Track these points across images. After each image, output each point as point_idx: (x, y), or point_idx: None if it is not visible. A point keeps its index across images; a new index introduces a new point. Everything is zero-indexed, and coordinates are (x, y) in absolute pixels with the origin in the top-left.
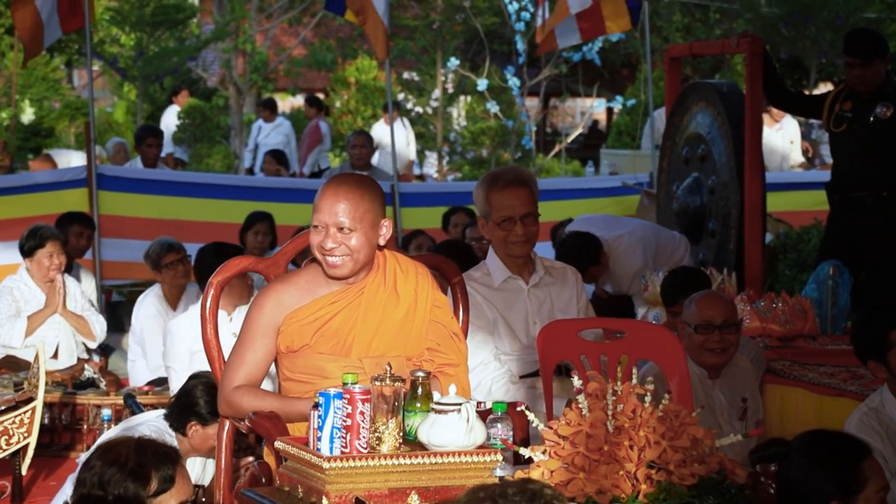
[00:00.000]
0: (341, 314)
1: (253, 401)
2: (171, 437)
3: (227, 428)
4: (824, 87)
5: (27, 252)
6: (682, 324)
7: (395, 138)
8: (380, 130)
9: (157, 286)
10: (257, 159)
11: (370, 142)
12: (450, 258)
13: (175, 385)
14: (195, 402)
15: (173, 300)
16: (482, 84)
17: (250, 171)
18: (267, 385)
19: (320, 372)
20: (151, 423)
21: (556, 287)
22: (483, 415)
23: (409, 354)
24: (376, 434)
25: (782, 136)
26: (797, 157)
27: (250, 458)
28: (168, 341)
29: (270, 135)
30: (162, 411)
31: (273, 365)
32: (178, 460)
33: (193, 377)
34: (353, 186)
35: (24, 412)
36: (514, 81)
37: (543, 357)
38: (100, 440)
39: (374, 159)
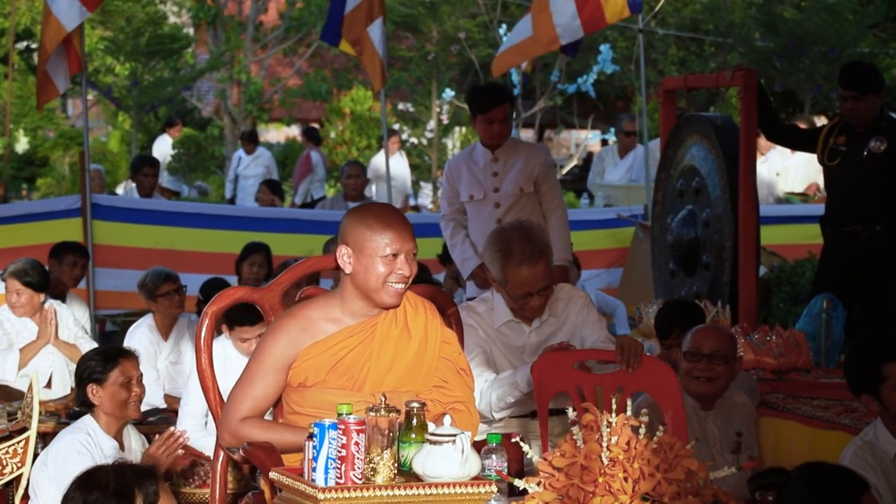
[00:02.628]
0: (356, 350)
1: (263, 433)
2: (93, 428)
3: (221, 459)
4: (818, 121)
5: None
6: (679, 354)
7: (398, 170)
8: (381, 161)
9: (150, 316)
10: (237, 191)
11: (363, 172)
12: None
13: (185, 401)
14: (86, 368)
15: (165, 330)
16: None
17: (231, 202)
18: None
19: (331, 407)
20: (72, 427)
21: (559, 324)
22: (478, 446)
23: (418, 390)
24: (371, 465)
25: (768, 168)
26: (782, 188)
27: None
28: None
29: (250, 166)
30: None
31: None
32: (158, 477)
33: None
34: (401, 213)
35: (18, 442)
36: None
37: (539, 388)
38: (39, 458)
39: (373, 190)
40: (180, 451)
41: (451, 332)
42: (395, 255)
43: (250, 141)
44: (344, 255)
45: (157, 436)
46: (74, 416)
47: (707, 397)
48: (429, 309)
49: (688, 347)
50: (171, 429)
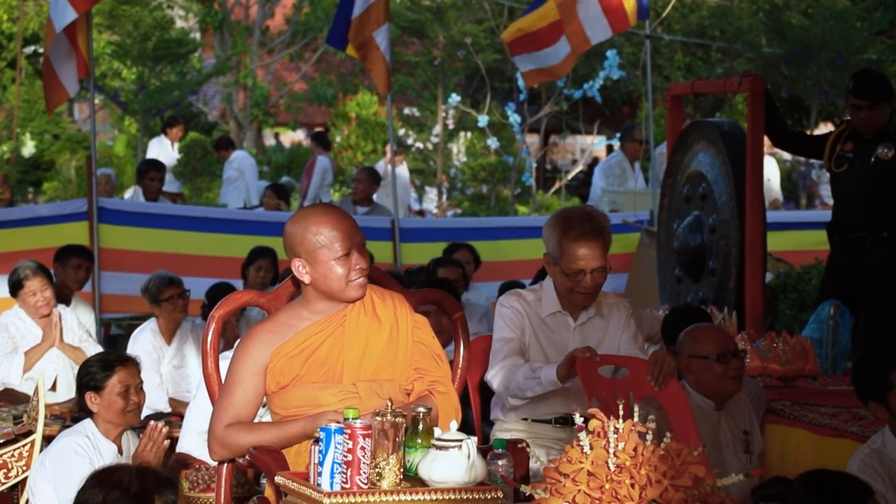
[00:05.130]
0: (327, 342)
1: (248, 435)
2: (92, 432)
3: (225, 464)
4: (825, 127)
5: (12, 291)
6: (691, 359)
7: (403, 178)
8: (382, 168)
9: (153, 321)
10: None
11: (371, 177)
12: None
13: (190, 415)
14: (85, 374)
15: (168, 335)
16: (483, 120)
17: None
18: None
19: (314, 401)
20: (72, 430)
21: (604, 328)
22: (484, 451)
23: (398, 377)
24: (377, 469)
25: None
26: (775, 193)
27: None
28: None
29: (227, 169)
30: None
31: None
32: (178, 486)
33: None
34: (338, 208)
35: (24, 445)
36: (514, 118)
37: (588, 389)
38: (38, 459)
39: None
40: (166, 443)
41: (422, 317)
42: (347, 254)
43: (219, 147)
44: (299, 267)
45: (140, 434)
46: (79, 420)
47: (733, 394)
48: (396, 298)
49: (717, 350)
50: (152, 422)
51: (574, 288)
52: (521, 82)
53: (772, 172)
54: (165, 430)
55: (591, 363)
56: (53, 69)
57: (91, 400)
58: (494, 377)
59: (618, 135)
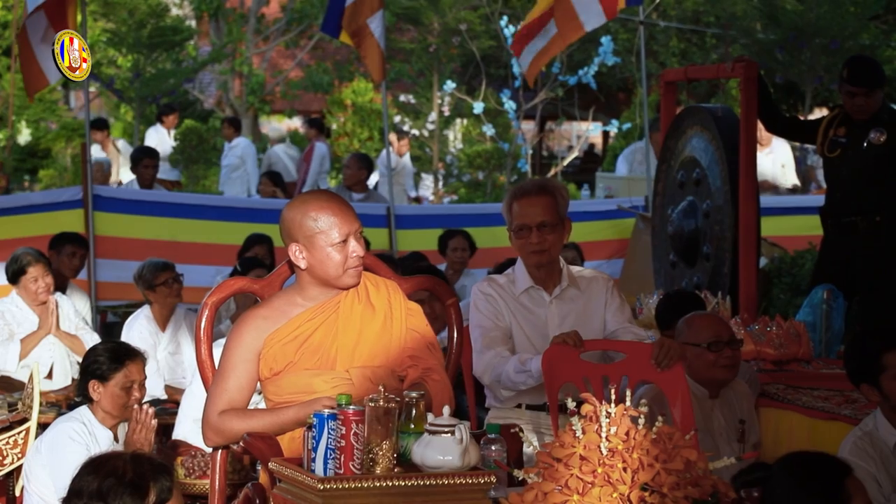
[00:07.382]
0: (321, 329)
1: (242, 422)
2: (88, 419)
3: (220, 450)
4: (819, 112)
5: (12, 279)
6: (685, 346)
7: (409, 168)
8: (393, 159)
9: (147, 308)
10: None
11: (360, 163)
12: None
13: (186, 402)
14: (93, 361)
15: (163, 321)
16: (478, 107)
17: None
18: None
19: (307, 388)
20: (67, 416)
21: (583, 300)
22: (478, 436)
23: (391, 364)
24: (370, 455)
25: (772, 160)
26: (790, 179)
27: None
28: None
29: (228, 156)
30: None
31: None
32: (173, 473)
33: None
34: (337, 195)
35: (19, 433)
36: (510, 104)
37: (549, 378)
38: (34, 444)
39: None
40: (154, 422)
41: (416, 304)
42: (345, 240)
43: (230, 125)
44: (296, 252)
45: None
46: (75, 407)
47: (728, 383)
48: (390, 285)
49: (709, 338)
50: (136, 406)
51: (524, 247)
52: (516, 69)
53: (786, 159)
54: (152, 410)
55: (566, 350)
56: (34, 55)
57: (93, 388)
58: (484, 372)
59: (613, 121)
